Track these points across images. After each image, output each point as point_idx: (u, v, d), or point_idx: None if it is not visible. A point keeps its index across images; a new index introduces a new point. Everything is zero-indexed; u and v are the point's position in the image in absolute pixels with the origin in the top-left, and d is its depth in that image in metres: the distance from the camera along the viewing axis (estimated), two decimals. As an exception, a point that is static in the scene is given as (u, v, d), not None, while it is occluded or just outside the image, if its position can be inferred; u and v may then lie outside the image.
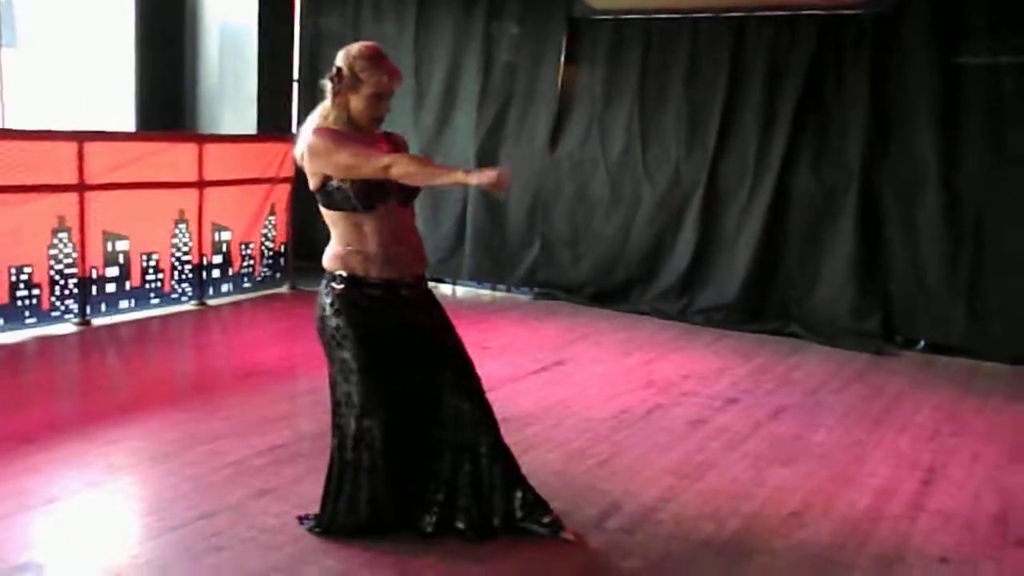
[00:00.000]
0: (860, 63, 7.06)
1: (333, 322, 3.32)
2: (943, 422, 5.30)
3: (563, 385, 5.68)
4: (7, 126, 7.76)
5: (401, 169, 3.13)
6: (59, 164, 6.21)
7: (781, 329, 7.28)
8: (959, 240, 6.83)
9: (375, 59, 3.25)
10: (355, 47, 3.29)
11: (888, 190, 7.06)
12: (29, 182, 6.01)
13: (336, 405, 3.40)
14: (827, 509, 3.97)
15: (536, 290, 8.42)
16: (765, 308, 7.45)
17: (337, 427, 3.40)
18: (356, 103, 3.25)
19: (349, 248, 3.30)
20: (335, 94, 3.27)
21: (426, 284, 3.50)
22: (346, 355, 3.31)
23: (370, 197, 3.24)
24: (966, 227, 6.80)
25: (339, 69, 3.25)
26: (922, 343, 7.01)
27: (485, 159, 8.46)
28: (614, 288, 8.03)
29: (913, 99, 6.92)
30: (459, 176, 3.11)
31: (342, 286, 3.31)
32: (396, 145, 3.42)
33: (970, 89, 6.75)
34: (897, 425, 5.19)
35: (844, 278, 7.17)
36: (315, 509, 3.49)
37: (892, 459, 4.63)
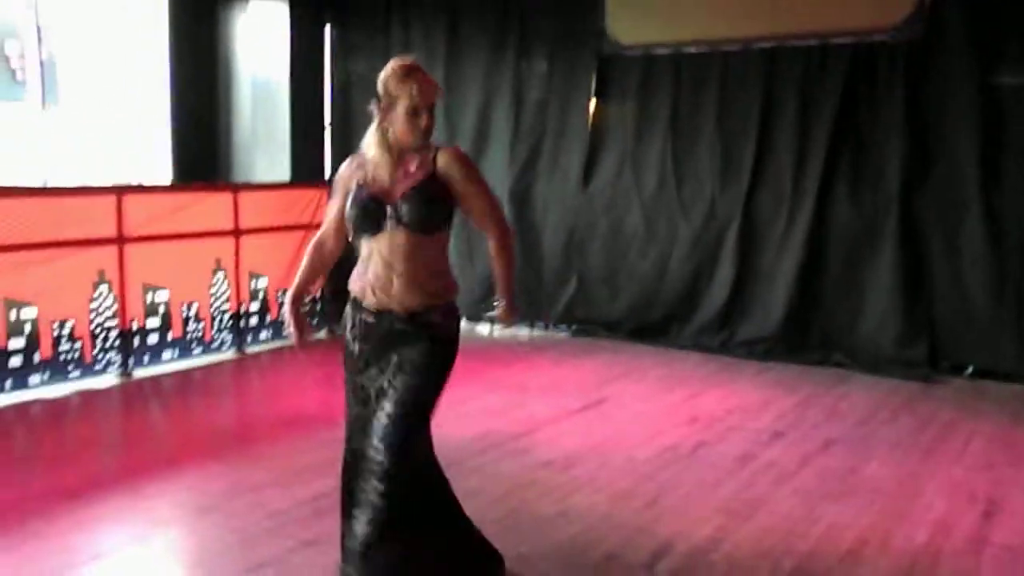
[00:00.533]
0: (894, 88, 7.00)
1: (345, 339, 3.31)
2: (998, 451, 5.17)
3: (605, 424, 5.62)
4: (49, 183, 7.90)
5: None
6: (99, 218, 6.28)
7: (825, 360, 7.17)
8: (1004, 263, 6.72)
9: (405, 73, 3.10)
10: (389, 66, 3.15)
11: (929, 215, 6.97)
12: (70, 237, 6.09)
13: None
14: (884, 546, 3.87)
15: (574, 327, 8.36)
16: (808, 339, 7.35)
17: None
18: (396, 123, 3.12)
19: (357, 270, 3.25)
20: (380, 119, 3.15)
21: (429, 320, 3.16)
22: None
23: (359, 221, 3.16)
24: (1011, 249, 6.69)
25: (377, 92, 3.15)
26: (970, 369, 6.86)
27: (519, 197, 8.49)
28: (653, 323, 7.96)
29: (950, 122, 6.86)
30: (287, 296, 3.40)
31: (348, 306, 3.29)
32: (438, 164, 3.14)
33: (1008, 109, 6.68)
34: (950, 455, 5.07)
35: (887, 306, 7.06)
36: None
37: (948, 491, 4.52)
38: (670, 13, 7.82)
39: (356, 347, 3.22)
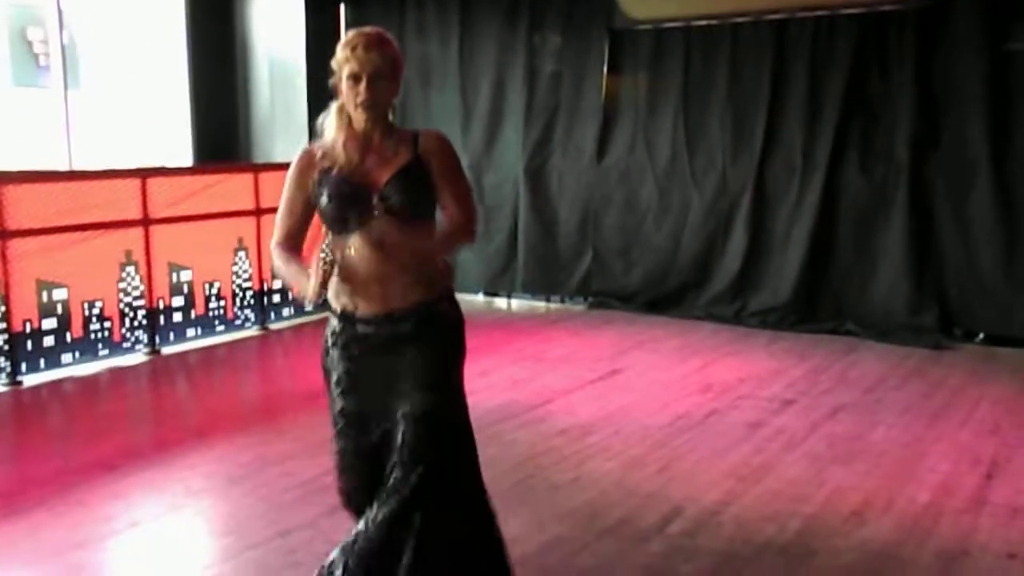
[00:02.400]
0: (904, 57, 7.05)
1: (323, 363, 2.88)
2: (1005, 415, 5.29)
3: (620, 393, 5.77)
4: (74, 167, 8.08)
5: (273, 259, 2.86)
6: (124, 201, 6.47)
7: (836, 328, 7.29)
8: (1015, 229, 6.79)
9: (349, 39, 2.69)
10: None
11: (939, 182, 7.04)
12: (97, 219, 6.28)
13: None
14: (887, 507, 4.00)
15: (590, 300, 8.51)
16: (819, 308, 7.46)
17: None
18: (344, 96, 2.70)
19: (333, 281, 2.70)
20: (338, 98, 2.74)
21: (437, 311, 2.78)
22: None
23: (341, 211, 2.70)
24: (1021, 217, 6.76)
25: (332, 68, 2.72)
26: (981, 335, 6.96)
27: (534, 172, 8.61)
28: (667, 295, 8.09)
29: (960, 90, 6.91)
30: (298, 287, 2.68)
31: (330, 326, 2.83)
32: (420, 146, 2.74)
33: (1019, 76, 6.71)
34: (957, 420, 5.19)
35: (898, 273, 7.15)
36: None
37: (953, 454, 4.64)
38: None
39: (344, 367, 2.78)
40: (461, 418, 2.82)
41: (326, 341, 2.84)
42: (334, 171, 2.71)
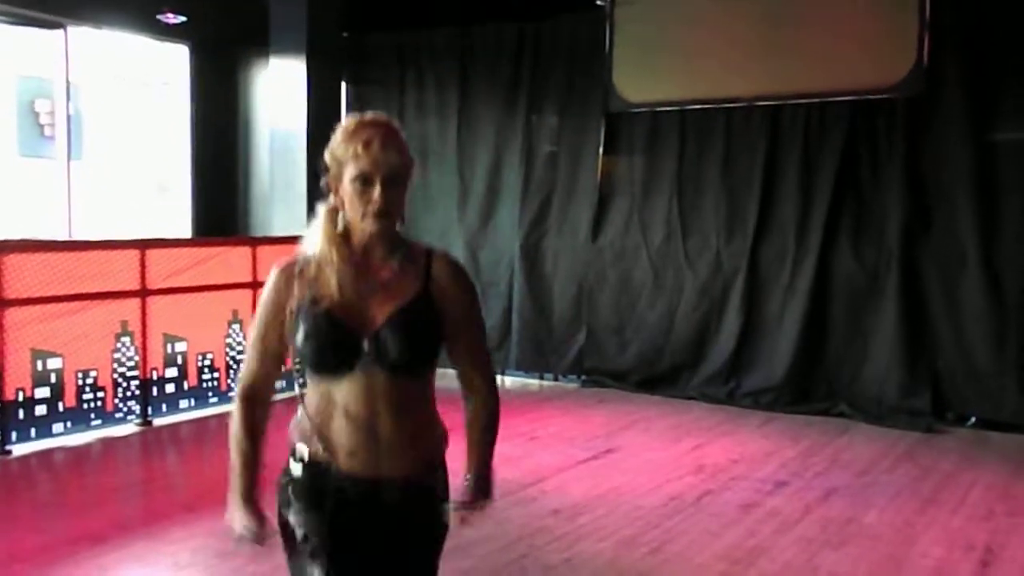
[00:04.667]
0: (894, 144, 7.22)
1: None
2: (997, 501, 5.29)
3: (613, 473, 5.76)
4: (75, 236, 8.16)
5: (232, 416, 2.30)
6: (122, 271, 6.52)
7: (829, 410, 7.32)
8: (1005, 315, 6.87)
9: (354, 129, 2.13)
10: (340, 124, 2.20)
11: (930, 269, 7.15)
12: (95, 290, 6.32)
13: None
14: (881, 592, 3.99)
15: (583, 378, 8.53)
16: (812, 389, 7.49)
17: None
18: (346, 199, 2.13)
19: (308, 419, 2.21)
20: (329, 197, 2.18)
21: (433, 487, 2.22)
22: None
23: (319, 358, 2.16)
24: (1010, 302, 6.84)
25: (324, 162, 2.18)
26: (973, 419, 6.99)
27: (530, 250, 8.71)
28: (661, 374, 8.12)
29: (949, 178, 7.06)
30: (232, 497, 2.26)
31: (293, 474, 2.23)
32: (433, 273, 2.18)
33: (1006, 165, 6.87)
34: (950, 505, 5.19)
35: (890, 356, 7.20)
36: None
37: (946, 540, 4.64)
38: (674, 73, 8.09)
39: (316, 530, 2.15)
40: None
41: (285, 490, 2.21)
42: (317, 303, 2.12)
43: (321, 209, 2.18)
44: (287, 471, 2.23)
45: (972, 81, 6.94)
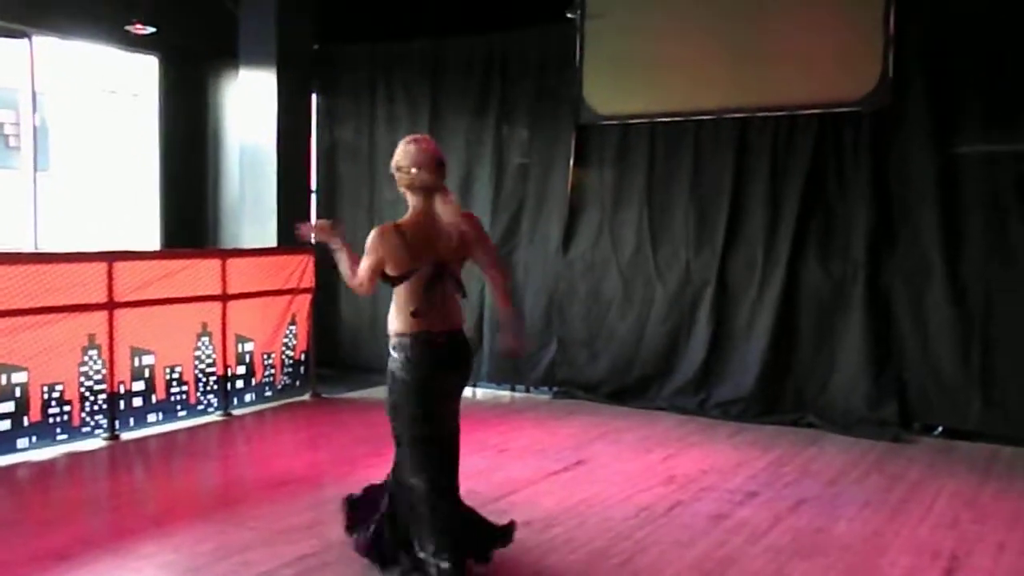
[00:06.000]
0: (860, 158, 7.30)
1: None
2: (963, 509, 5.34)
3: (584, 484, 5.76)
4: (40, 248, 8.06)
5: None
6: (89, 284, 6.43)
7: (798, 420, 7.37)
8: (969, 327, 6.94)
9: (409, 141, 4.07)
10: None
11: (895, 280, 7.22)
12: (61, 303, 6.24)
13: None
14: (849, 602, 4.01)
15: (554, 390, 8.54)
16: (781, 400, 7.54)
17: None
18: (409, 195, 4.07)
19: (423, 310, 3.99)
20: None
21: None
22: None
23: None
24: (975, 313, 6.93)
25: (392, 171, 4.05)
26: (940, 429, 7.06)
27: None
28: (631, 385, 8.15)
29: (913, 191, 7.15)
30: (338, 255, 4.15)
31: (413, 348, 3.95)
32: (465, 233, 4.05)
33: (970, 178, 6.96)
34: (917, 514, 5.24)
35: (858, 368, 7.27)
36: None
37: (913, 548, 4.68)
38: (644, 86, 8.13)
39: (428, 363, 3.90)
40: None
41: (405, 358, 3.89)
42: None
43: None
44: (400, 352, 3.93)
45: (936, 95, 7.04)
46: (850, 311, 7.33)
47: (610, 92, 8.27)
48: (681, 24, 7.93)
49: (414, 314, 3.86)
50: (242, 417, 7.56)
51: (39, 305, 6.10)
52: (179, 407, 7.15)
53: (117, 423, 6.67)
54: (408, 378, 3.88)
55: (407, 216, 3.99)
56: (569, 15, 8.38)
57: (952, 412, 7.02)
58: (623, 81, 8.23)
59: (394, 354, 3.92)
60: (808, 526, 5.01)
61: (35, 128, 8.55)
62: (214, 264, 7.43)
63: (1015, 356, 6.81)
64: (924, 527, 5.01)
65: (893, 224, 7.24)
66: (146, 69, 9.54)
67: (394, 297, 3.96)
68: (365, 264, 3.92)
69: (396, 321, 3.92)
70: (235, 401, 7.63)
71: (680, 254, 8.03)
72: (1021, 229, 6.78)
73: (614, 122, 8.30)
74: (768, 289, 7.61)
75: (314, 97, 9.59)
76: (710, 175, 7.89)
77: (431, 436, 3.94)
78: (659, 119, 8.09)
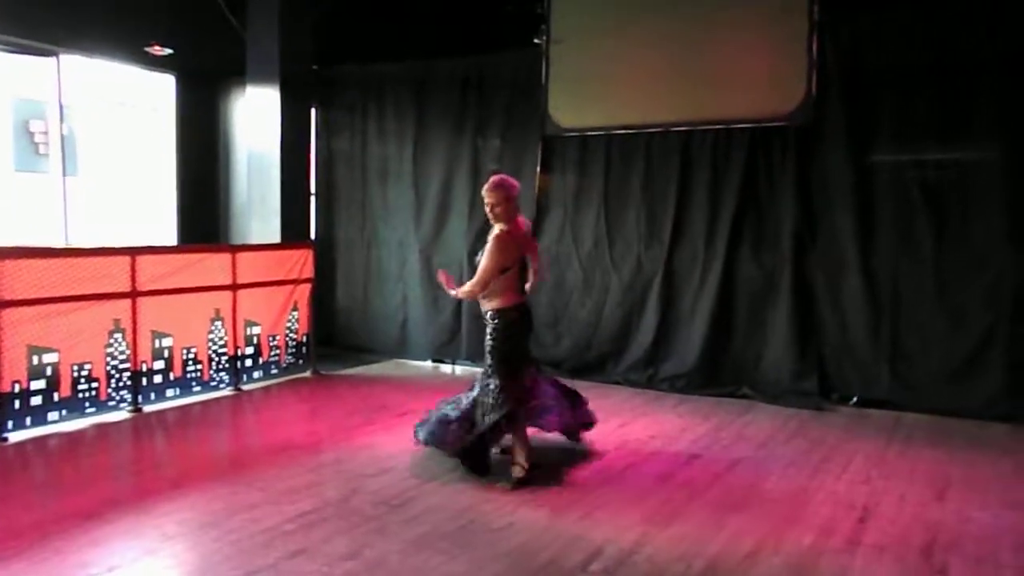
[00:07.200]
0: (787, 166, 7.33)
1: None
2: (874, 467, 5.40)
3: (549, 450, 5.74)
4: (71, 244, 7.93)
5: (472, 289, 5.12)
6: (115, 275, 6.35)
7: (734, 392, 7.41)
8: (879, 312, 7.01)
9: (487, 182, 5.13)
10: None
11: (817, 272, 7.26)
12: (90, 291, 6.15)
13: None
14: (777, 548, 4.05)
15: (523, 366, 8.51)
16: (720, 374, 7.58)
17: None
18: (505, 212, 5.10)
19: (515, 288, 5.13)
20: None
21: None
22: None
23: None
24: (884, 301, 7.00)
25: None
26: (855, 399, 7.13)
27: (475, 257, 8.65)
28: (590, 362, 8.16)
29: (833, 194, 7.18)
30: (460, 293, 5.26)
31: (510, 316, 5.09)
32: (528, 235, 5.31)
33: (880, 183, 7.01)
34: (835, 472, 5.29)
35: (785, 346, 7.32)
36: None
37: (831, 502, 4.73)
38: (601, 102, 8.11)
39: (523, 329, 5.13)
40: None
41: (507, 322, 5.06)
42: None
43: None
44: (505, 319, 5.07)
45: (852, 111, 7.08)
46: (778, 298, 7.37)
47: (572, 108, 8.25)
48: (634, 48, 7.92)
49: (518, 292, 5.07)
50: (250, 392, 7.49)
51: (70, 294, 6.01)
52: (194, 383, 7.08)
53: (140, 397, 6.59)
54: (508, 334, 5.02)
55: (507, 227, 5.00)
56: (536, 40, 8.34)
57: (864, 384, 7.09)
58: (583, 98, 8.21)
59: (495, 322, 5.03)
60: (742, 483, 5.04)
61: (62, 137, 8.39)
62: (225, 257, 7.35)
63: (918, 336, 6.89)
64: (841, 483, 5.07)
65: (815, 223, 7.28)
66: (164, 86, 9.41)
67: (492, 285, 4.99)
68: (495, 261, 4.92)
69: (498, 299, 5.02)
70: (244, 378, 7.56)
71: (633, 248, 8.04)
72: (924, 227, 6.85)
73: (575, 134, 8.28)
74: (708, 279, 7.64)
75: (313, 111, 9.49)
76: (659, 180, 7.90)
77: (518, 369, 5.12)
78: (615, 131, 8.08)
